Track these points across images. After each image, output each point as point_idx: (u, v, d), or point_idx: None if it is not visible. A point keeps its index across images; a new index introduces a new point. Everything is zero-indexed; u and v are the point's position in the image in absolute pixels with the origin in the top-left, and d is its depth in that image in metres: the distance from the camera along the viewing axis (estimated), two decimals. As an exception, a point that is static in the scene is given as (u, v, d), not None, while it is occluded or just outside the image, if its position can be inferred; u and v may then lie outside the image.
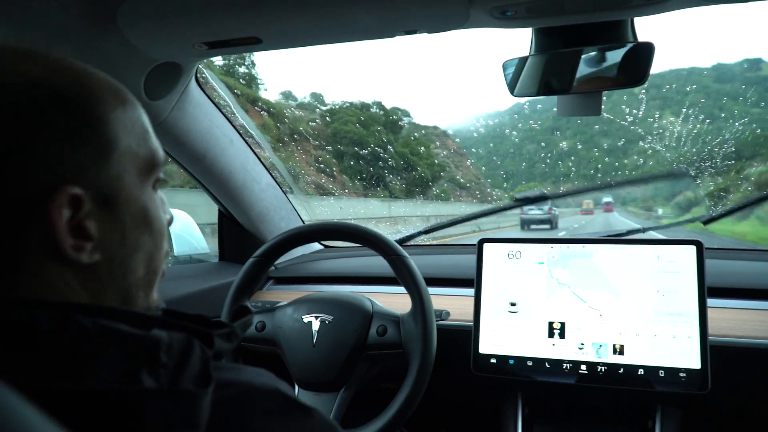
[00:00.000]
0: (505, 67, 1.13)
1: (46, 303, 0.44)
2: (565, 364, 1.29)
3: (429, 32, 1.06)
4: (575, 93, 1.11)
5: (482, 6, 0.97)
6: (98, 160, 0.49)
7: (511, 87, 1.14)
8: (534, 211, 24.76)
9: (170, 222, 0.64)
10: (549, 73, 1.11)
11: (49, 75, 0.48)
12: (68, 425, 0.37)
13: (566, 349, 1.30)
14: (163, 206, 0.60)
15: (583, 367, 1.28)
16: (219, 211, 1.79)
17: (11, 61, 0.47)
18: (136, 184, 0.53)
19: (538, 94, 1.13)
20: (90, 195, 0.48)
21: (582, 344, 1.29)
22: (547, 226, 24.69)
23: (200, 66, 1.33)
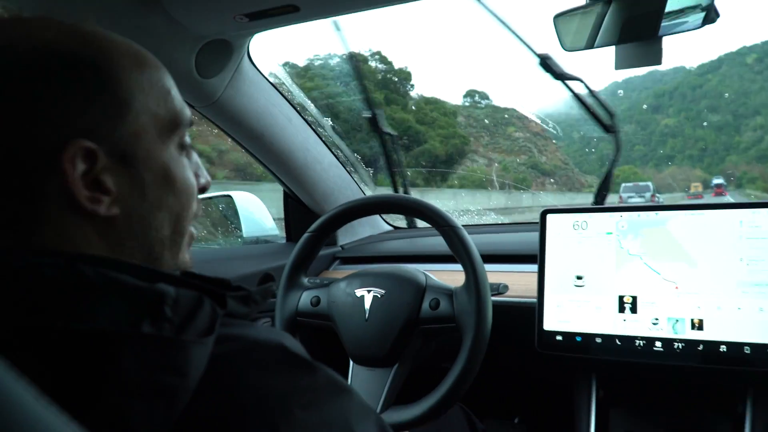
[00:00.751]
0: (556, 20, 1.05)
1: (53, 252, 0.45)
2: (637, 341, 1.19)
3: None
4: (632, 42, 1.01)
5: None
6: (113, 117, 0.51)
7: (563, 41, 1.06)
8: (635, 200, 23.42)
9: (206, 187, 0.65)
10: (603, 23, 1.02)
11: (61, 39, 0.50)
12: (52, 363, 0.38)
13: (639, 324, 1.20)
14: (198, 170, 0.63)
15: (658, 344, 1.17)
16: (284, 191, 1.80)
17: (25, 28, 0.50)
18: (156, 142, 0.55)
19: (593, 47, 1.04)
20: (105, 150, 0.50)
21: (656, 319, 1.18)
22: None
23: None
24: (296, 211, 1.83)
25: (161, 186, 0.55)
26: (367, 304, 1.22)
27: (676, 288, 1.18)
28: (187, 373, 0.43)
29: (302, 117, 1.60)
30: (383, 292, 1.21)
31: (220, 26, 1.15)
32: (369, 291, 1.23)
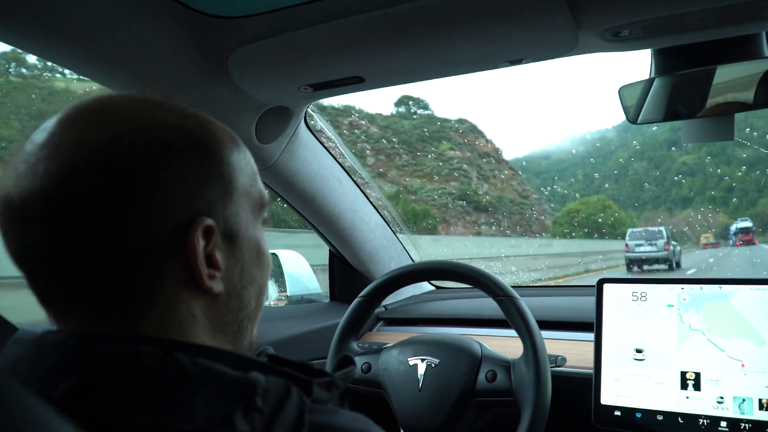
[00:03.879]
0: (621, 92, 1.05)
1: (149, 339, 0.46)
2: (701, 420, 1.15)
3: (534, 61, 1.02)
4: (704, 117, 1.00)
5: (592, 28, 0.91)
6: (224, 197, 0.53)
7: (632, 114, 1.05)
8: (644, 248, 19.92)
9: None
10: (674, 97, 1.02)
11: (183, 121, 0.52)
12: None
13: (702, 402, 1.15)
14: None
15: (723, 423, 1.13)
16: (330, 251, 1.81)
17: (150, 109, 0.51)
18: (250, 221, 0.57)
19: (663, 120, 1.04)
20: (219, 228, 0.52)
21: (721, 398, 1.14)
22: (663, 267, 19.40)
23: (308, 109, 1.37)
24: (341, 271, 1.83)
25: (254, 262, 0.57)
26: (421, 374, 1.20)
27: (743, 366, 1.13)
28: None
29: (351, 178, 1.62)
30: (437, 361, 1.19)
31: (283, 96, 1.18)
32: (423, 360, 1.21)
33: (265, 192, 0.61)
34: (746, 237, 30.56)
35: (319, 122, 1.49)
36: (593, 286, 1.31)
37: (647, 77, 1.05)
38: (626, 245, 21.03)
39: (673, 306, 1.23)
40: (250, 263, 0.56)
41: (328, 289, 1.90)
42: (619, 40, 0.95)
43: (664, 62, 1.06)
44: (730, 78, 1.00)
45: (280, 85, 1.12)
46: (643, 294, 1.26)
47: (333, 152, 1.52)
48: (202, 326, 0.52)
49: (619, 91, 1.07)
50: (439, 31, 0.94)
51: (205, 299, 0.52)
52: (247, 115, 1.21)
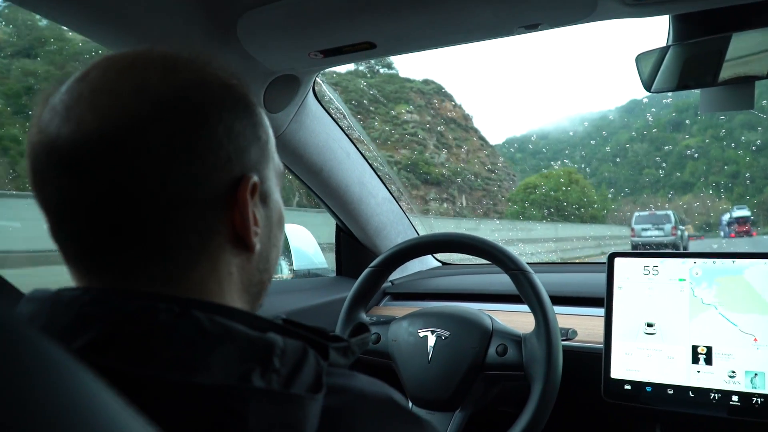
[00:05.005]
0: (638, 60, 1.03)
1: (167, 296, 0.45)
2: (712, 394, 1.14)
3: (551, 27, 0.99)
4: (722, 85, 0.98)
5: None
6: (261, 158, 0.53)
7: (647, 82, 1.03)
8: (651, 232, 19.30)
9: None
10: (691, 65, 0.99)
11: (231, 81, 0.52)
12: (172, 417, 0.38)
13: (714, 377, 1.15)
14: None
15: (735, 398, 1.12)
16: (336, 225, 1.79)
17: (203, 65, 0.51)
18: (276, 187, 0.58)
19: (678, 89, 1.01)
20: (259, 188, 0.52)
21: (733, 372, 1.13)
22: None
23: (317, 78, 1.34)
24: (347, 245, 1.82)
25: (278, 226, 0.58)
26: (431, 345, 1.19)
27: (755, 340, 1.12)
28: (304, 429, 0.43)
29: (359, 151, 1.60)
30: (448, 333, 1.18)
31: (293, 62, 1.15)
32: (433, 332, 1.20)
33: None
34: (743, 228, 26.38)
35: (327, 92, 1.46)
36: (604, 263, 1.30)
37: (665, 44, 1.03)
38: (632, 229, 20.47)
39: (685, 280, 1.21)
40: (275, 226, 0.57)
41: (334, 264, 1.90)
42: (638, 4, 0.93)
43: (681, 29, 1.03)
44: (748, 45, 0.98)
45: (290, 51, 1.10)
46: (655, 268, 1.24)
47: (341, 123, 1.50)
48: (236, 285, 0.52)
49: (636, 59, 1.05)
50: None
51: (241, 258, 0.52)
52: (255, 83, 1.19)
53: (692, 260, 1.21)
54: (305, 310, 1.54)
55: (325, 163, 1.49)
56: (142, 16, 0.97)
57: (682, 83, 1.01)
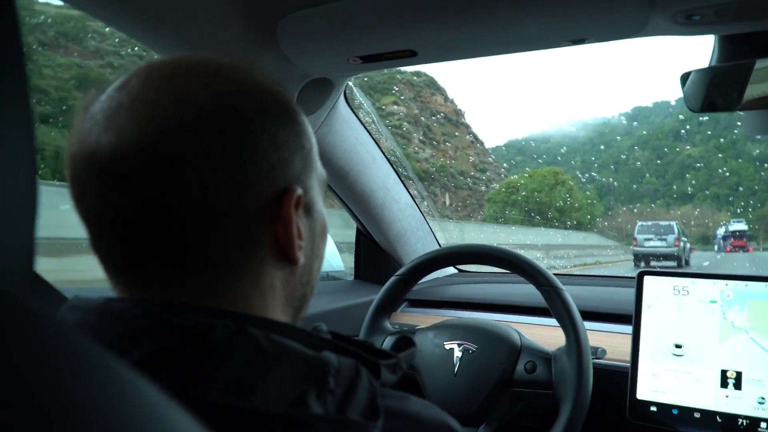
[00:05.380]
0: (683, 79, 1.01)
1: (221, 311, 0.44)
2: (741, 420, 1.12)
3: (599, 41, 0.97)
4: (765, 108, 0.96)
5: (665, 9, 0.87)
6: (305, 168, 0.51)
7: (693, 102, 1.01)
8: (653, 242, 19.11)
9: None
10: (733, 86, 0.97)
11: (274, 88, 0.50)
12: None
13: (742, 402, 1.13)
14: None
15: (764, 425, 1.10)
16: (357, 229, 1.78)
17: (245, 72, 0.49)
18: (319, 196, 0.56)
19: (723, 109, 1.00)
20: (303, 199, 0.51)
21: (762, 398, 1.11)
22: (672, 264, 18.23)
23: (348, 82, 1.33)
24: (367, 250, 1.81)
25: (321, 237, 0.57)
26: (457, 358, 1.17)
27: (788, 367, 1.11)
28: None
29: (385, 156, 1.58)
30: (475, 347, 1.17)
31: (331, 67, 1.14)
32: (459, 345, 1.18)
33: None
34: (740, 242, 25.33)
35: (358, 97, 1.45)
36: (633, 277, 1.28)
37: (709, 65, 1.01)
38: (635, 239, 20.35)
39: (716, 302, 1.19)
40: (318, 238, 0.56)
41: (351, 268, 1.88)
42: (689, 23, 0.91)
43: (729, 49, 1.01)
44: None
45: (329, 56, 1.08)
46: (685, 288, 1.22)
47: (369, 128, 1.49)
48: (279, 299, 0.51)
49: (680, 78, 1.03)
50: (502, 4, 0.90)
51: (284, 271, 0.50)
52: (290, 85, 1.17)
53: (724, 282, 1.20)
54: (326, 313, 1.53)
55: (352, 168, 1.47)
56: (183, 16, 0.95)
57: (722, 104, 1.00)
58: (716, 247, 26.18)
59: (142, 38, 0.98)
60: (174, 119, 0.44)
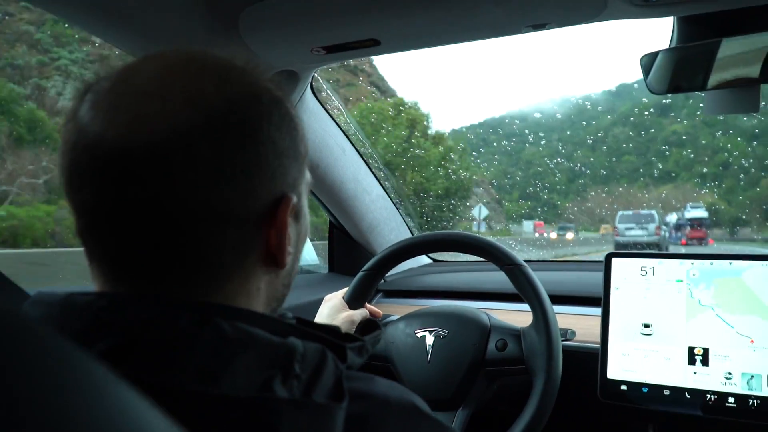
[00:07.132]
0: (643, 61, 1.03)
1: (186, 303, 0.44)
2: (709, 396, 1.15)
3: (559, 26, 0.98)
4: (728, 87, 0.98)
5: None
6: (299, 175, 0.52)
7: (653, 83, 1.03)
8: (634, 231, 19.14)
9: None
10: (694, 67, 0.99)
11: (280, 94, 0.50)
12: (198, 429, 0.37)
13: (710, 378, 1.16)
14: None
15: (731, 399, 1.13)
16: (329, 222, 1.78)
17: (254, 74, 0.49)
18: (304, 198, 0.56)
19: (686, 90, 1.02)
20: (296, 205, 0.51)
21: (729, 374, 1.14)
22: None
23: (315, 74, 1.32)
24: (341, 242, 1.81)
25: (303, 239, 0.57)
26: (429, 345, 1.18)
27: (752, 342, 1.13)
28: None
29: (355, 148, 1.58)
30: (446, 332, 1.18)
31: (295, 58, 1.13)
32: (430, 331, 1.19)
33: None
34: (698, 233, 21.48)
35: (325, 89, 1.45)
36: (602, 261, 1.30)
37: (668, 46, 1.03)
38: (615, 229, 20.09)
39: (682, 281, 1.22)
40: (301, 241, 0.56)
41: (326, 260, 1.88)
42: (647, 5, 0.92)
43: (686, 30, 1.03)
44: (754, 49, 0.98)
45: (293, 47, 1.08)
46: (652, 268, 1.25)
47: (337, 120, 1.48)
48: (262, 300, 0.52)
49: (640, 60, 1.05)
50: None
51: (270, 275, 0.51)
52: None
53: (689, 261, 1.22)
54: (300, 306, 1.53)
55: (321, 160, 1.47)
56: (143, 11, 0.94)
57: (685, 85, 1.02)
58: (667, 236, 20.80)
59: (104, 36, 0.97)
60: (185, 120, 0.44)
